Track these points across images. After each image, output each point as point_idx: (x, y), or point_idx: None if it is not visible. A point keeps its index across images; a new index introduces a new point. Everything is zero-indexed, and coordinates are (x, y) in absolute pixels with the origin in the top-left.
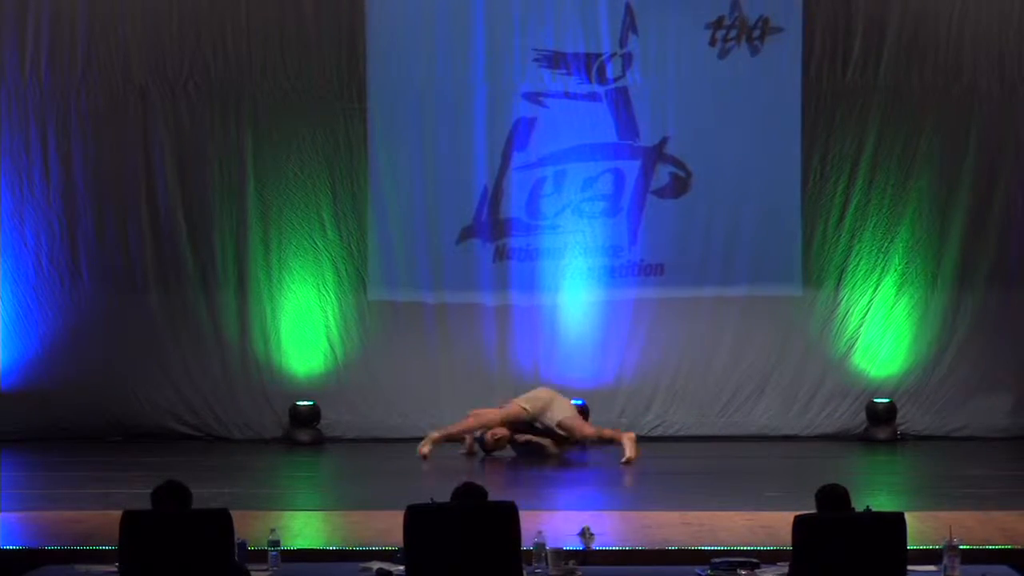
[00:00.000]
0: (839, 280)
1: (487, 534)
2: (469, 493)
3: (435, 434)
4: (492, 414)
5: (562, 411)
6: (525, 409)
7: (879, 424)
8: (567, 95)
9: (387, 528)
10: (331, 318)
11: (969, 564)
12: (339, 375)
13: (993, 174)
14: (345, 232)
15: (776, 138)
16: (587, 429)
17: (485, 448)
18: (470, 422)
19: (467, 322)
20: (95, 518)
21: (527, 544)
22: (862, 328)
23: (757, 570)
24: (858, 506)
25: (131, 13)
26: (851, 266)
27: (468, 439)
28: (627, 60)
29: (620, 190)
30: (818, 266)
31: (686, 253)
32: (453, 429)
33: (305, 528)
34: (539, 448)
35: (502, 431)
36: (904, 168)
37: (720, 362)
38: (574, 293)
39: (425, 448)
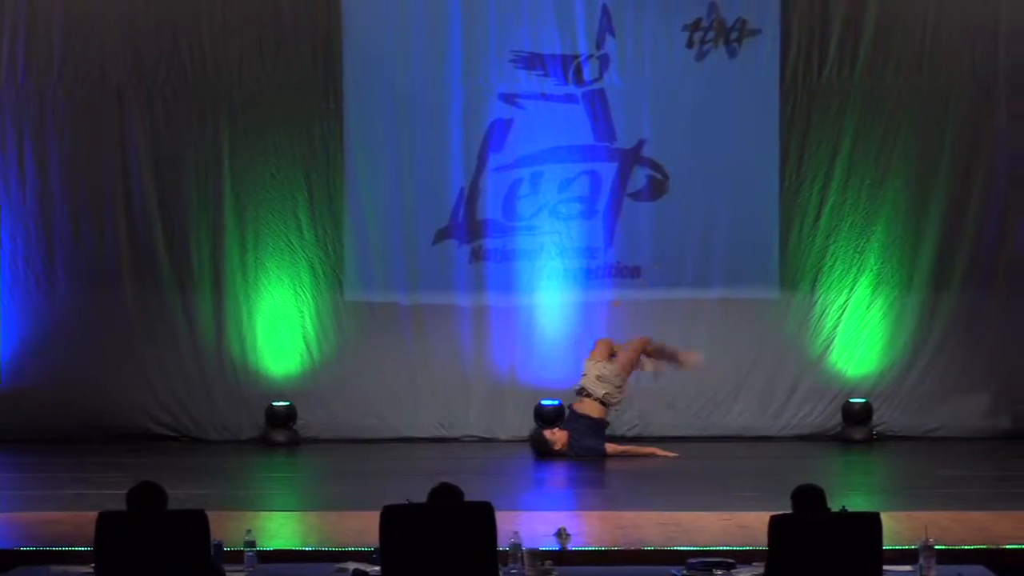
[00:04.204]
0: (815, 281)
1: (463, 534)
2: (445, 493)
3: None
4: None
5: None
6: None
7: (855, 424)
8: (544, 96)
9: (363, 528)
10: (307, 319)
11: (945, 564)
12: (315, 376)
13: (968, 174)
14: (321, 233)
15: (754, 140)
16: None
17: (547, 449)
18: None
19: (443, 323)
20: (71, 519)
21: (503, 544)
22: (838, 329)
23: (733, 570)
24: (834, 506)
25: (108, 14)
26: (827, 266)
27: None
28: (604, 62)
29: (596, 192)
30: (794, 267)
31: (663, 256)
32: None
33: (281, 529)
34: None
35: (563, 436)
36: (880, 168)
37: None
38: (550, 294)
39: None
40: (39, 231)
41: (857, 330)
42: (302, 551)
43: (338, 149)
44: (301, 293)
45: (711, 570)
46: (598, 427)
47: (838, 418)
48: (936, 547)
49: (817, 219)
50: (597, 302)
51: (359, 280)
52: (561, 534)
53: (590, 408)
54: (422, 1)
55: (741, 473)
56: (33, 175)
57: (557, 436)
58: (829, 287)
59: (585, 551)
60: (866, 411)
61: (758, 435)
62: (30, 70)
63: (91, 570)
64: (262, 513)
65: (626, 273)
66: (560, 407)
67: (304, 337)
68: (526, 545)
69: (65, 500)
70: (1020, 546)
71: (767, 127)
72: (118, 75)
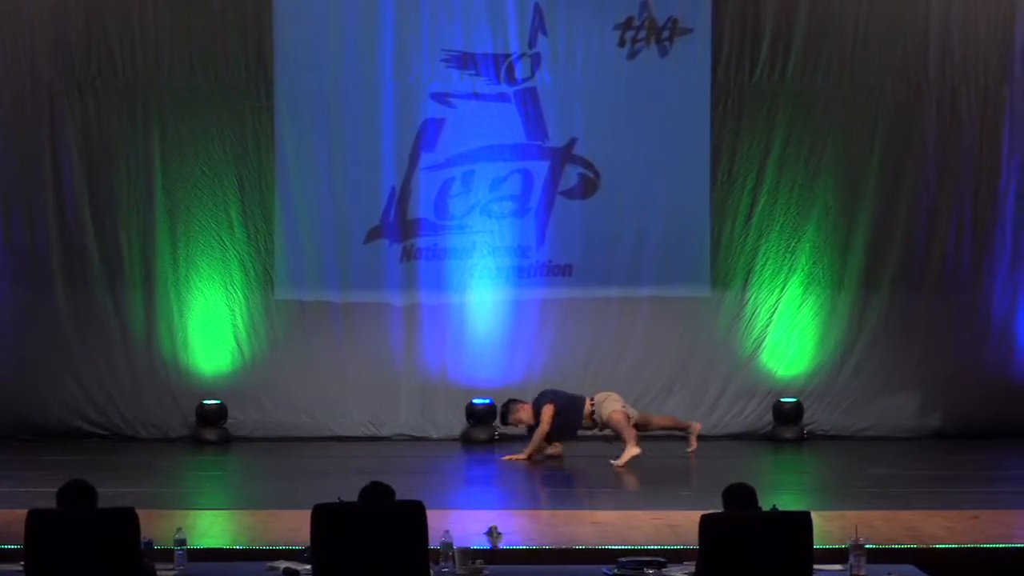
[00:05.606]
0: (746, 280)
1: (394, 533)
2: (376, 492)
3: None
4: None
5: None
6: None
7: (786, 424)
8: (476, 95)
9: (294, 527)
10: (238, 317)
11: (875, 563)
12: (246, 374)
13: (898, 176)
14: (252, 231)
15: (685, 139)
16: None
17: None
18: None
19: (375, 322)
20: (0, 517)
21: (434, 543)
22: (769, 328)
23: (664, 569)
24: (765, 505)
25: (37, 10)
26: (758, 266)
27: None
28: (536, 60)
29: (528, 191)
30: (725, 266)
31: (594, 254)
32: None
33: (212, 527)
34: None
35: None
36: (811, 169)
37: (628, 362)
38: (482, 293)
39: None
40: None
41: (788, 330)
42: (233, 550)
43: (269, 147)
44: (232, 291)
45: (642, 569)
46: (577, 423)
47: (769, 417)
48: (866, 546)
49: (748, 218)
50: (529, 300)
51: (290, 278)
52: (492, 533)
53: (606, 408)
54: (353, 0)
55: (672, 472)
56: None
57: (523, 411)
58: (760, 286)
59: (516, 550)
60: (797, 410)
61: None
62: None
63: (20, 568)
64: (192, 512)
65: (558, 271)
66: (492, 405)
67: (235, 335)
68: (457, 544)
69: None
70: (950, 545)
71: (698, 126)
72: (48, 72)
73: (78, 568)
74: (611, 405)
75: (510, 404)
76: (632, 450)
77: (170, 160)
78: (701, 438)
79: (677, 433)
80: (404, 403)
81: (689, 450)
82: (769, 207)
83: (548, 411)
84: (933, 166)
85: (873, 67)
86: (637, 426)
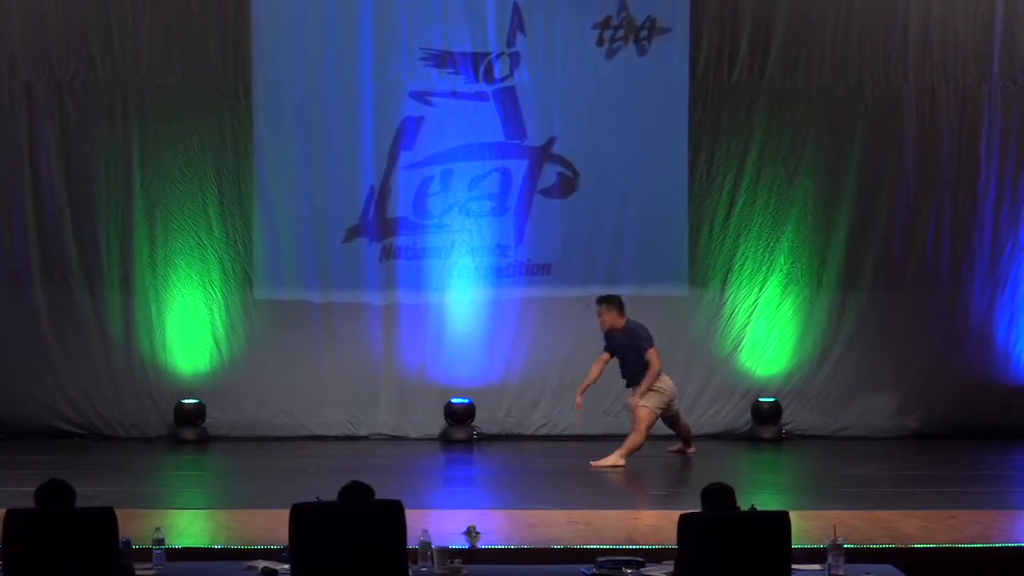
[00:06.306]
0: (725, 279)
1: (373, 533)
2: (355, 492)
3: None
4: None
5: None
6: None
7: (764, 423)
8: (455, 94)
9: (273, 527)
10: (217, 316)
11: (853, 563)
12: (225, 374)
13: (878, 175)
14: (231, 230)
15: (663, 138)
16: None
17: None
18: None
19: (354, 321)
20: None
21: (413, 543)
22: (748, 328)
23: (642, 569)
24: (743, 505)
25: (16, 10)
26: (737, 265)
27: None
28: (515, 60)
29: (507, 189)
30: (704, 265)
31: (573, 253)
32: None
33: (190, 527)
34: None
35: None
36: (790, 168)
37: None
38: (461, 292)
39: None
40: None
41: (767, 329)
42: (211, 549)
43: (248, 147)
44: (211, 291)
45: (621, 568)
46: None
47: (747, 417)
48: (844, 546)
49: (727, 218)
50: (508, 299)
51: (269, 278)
52: (471, 532)
53: (645, 399)
54: None
55: (651, 471)
56: None
57: (607, 315)
58: (739, 286)
59: (495, 549)
60: (775, 410)
61: (668, 433)
62: None
63: None
64: (171, 511)
65: (537, 270)
66: (470, 405)
67: (213, 335)
68: (436, 543)
69: None
70: (927, 545)
71: (677, 125)
72: (27, 72)
73: (56, 568)
74: (651, 400)
75: (604, 301)
76: (617, 459)
77: (149, 159)
78: (679, 437)
79: (676, 437)
80: (383, 403)
81: (671, 448)
82: (748, 206)
83: (655, 353)
84: (912, 166)
85: (852, 67)
86: (666, 419)
